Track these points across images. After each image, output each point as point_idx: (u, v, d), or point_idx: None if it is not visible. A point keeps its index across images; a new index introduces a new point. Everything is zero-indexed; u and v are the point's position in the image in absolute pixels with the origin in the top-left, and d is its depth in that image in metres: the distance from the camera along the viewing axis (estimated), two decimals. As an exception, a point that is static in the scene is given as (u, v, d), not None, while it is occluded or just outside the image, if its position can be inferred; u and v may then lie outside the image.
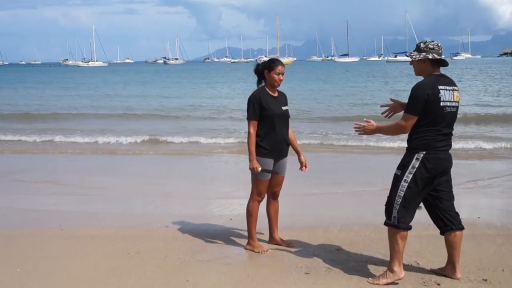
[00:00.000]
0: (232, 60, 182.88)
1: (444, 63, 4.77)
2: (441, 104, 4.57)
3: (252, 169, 5.53)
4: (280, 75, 5.59)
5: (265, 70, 5.63)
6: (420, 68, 4.77)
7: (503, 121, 18.37)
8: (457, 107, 4.73)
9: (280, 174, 5.78)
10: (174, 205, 8.00)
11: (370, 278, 4.91)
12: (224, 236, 6.31)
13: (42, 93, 37.89)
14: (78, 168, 11.48)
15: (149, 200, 8.27)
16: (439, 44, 4.75)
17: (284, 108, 5.66)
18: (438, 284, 4.81)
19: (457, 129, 15.09)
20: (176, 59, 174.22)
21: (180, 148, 13.92)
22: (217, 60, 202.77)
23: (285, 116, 5.68)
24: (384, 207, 4.85)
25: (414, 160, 4.65)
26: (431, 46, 4.70)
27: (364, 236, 6.26)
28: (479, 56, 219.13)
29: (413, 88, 4.64)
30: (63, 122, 20.24)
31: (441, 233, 4.95)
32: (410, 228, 4.78)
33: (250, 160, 5.54)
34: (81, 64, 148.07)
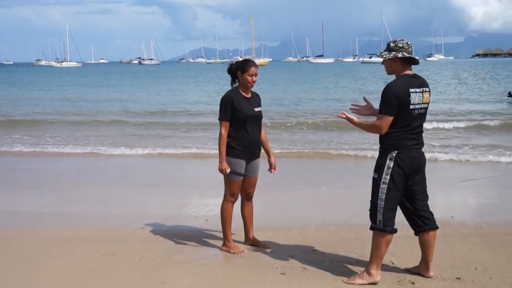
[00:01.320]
0: (208, 61, 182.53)
1: (414, 61, 4.80)
2: (410, 107, 4.62)
3: (221, 171, 5.53)
4: (253, 77, 5.58)
5: (238, 71, 5.61)
6: (391, 68, 4.80)
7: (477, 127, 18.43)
8: (426, 108, 4.78)
9: (253, 176, 5.78)
10: (150, 206, 7.95)
11: (345, 278, 4.95)
12: (200, 237, 6.30)
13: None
14: (53, 169, 11.34)
15: (124, 202, 8.21)
16: (409, 43, 4.78)
17: (257, 109, 5.66)
18: (413, 283, 4.86)
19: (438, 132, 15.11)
20: (151, 59, 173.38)
21: (156, 151, 13.75)
22: (193, 60, 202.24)
23: (258, 117, 5.67)
24: (368, 211, 4.87)
25: (388, 160, 4.69)
26: (401, 45, 4.73)
27: (340, 236, 6.30)
28: (452, 57, 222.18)
29: (384, 89, 4.67)
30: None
31: (416, 234, 5.00)
32: (395, 231, 4.82)
33: (219, 161, 5.54)
34: (54, 64, 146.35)
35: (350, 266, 5.26)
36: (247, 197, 5.89)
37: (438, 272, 5.06)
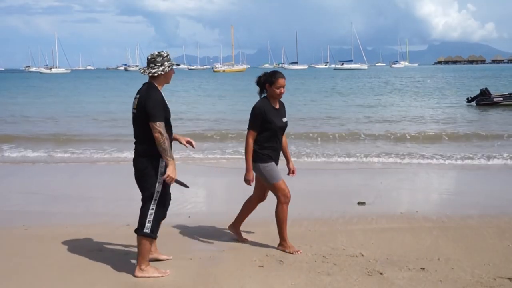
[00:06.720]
0: (189, 67, 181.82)
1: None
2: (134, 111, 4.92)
3: (246, 181, 5.43)
4: (281, 88, 5.42)
5: (267, 84, 5.44)
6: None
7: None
8: (135, 114, 4.93)
9: None
10: (135, 204, 7.81)
11: (319, 269, 4.97)
12: (183, 233, 6.27)
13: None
14: (43, 172, 11.20)
15: (110, 200, 8.14)
16: (148, 57, 5.32)
17: (284, 120, 5.54)
18: (381, 274, 4.90)
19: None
20: (137, 66, 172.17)
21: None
22: (175, 67, 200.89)
23: (285, 127, 5.58)
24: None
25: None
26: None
27: (313, 230, 6.33)
28: (416, 64, 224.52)
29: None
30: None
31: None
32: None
33: (246, 170, 5.42)
34: (43, 70, 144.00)
35: (323, 258, 5.29)
36: (260, 198, 5.84)
37: (404, 263, 5.12)
